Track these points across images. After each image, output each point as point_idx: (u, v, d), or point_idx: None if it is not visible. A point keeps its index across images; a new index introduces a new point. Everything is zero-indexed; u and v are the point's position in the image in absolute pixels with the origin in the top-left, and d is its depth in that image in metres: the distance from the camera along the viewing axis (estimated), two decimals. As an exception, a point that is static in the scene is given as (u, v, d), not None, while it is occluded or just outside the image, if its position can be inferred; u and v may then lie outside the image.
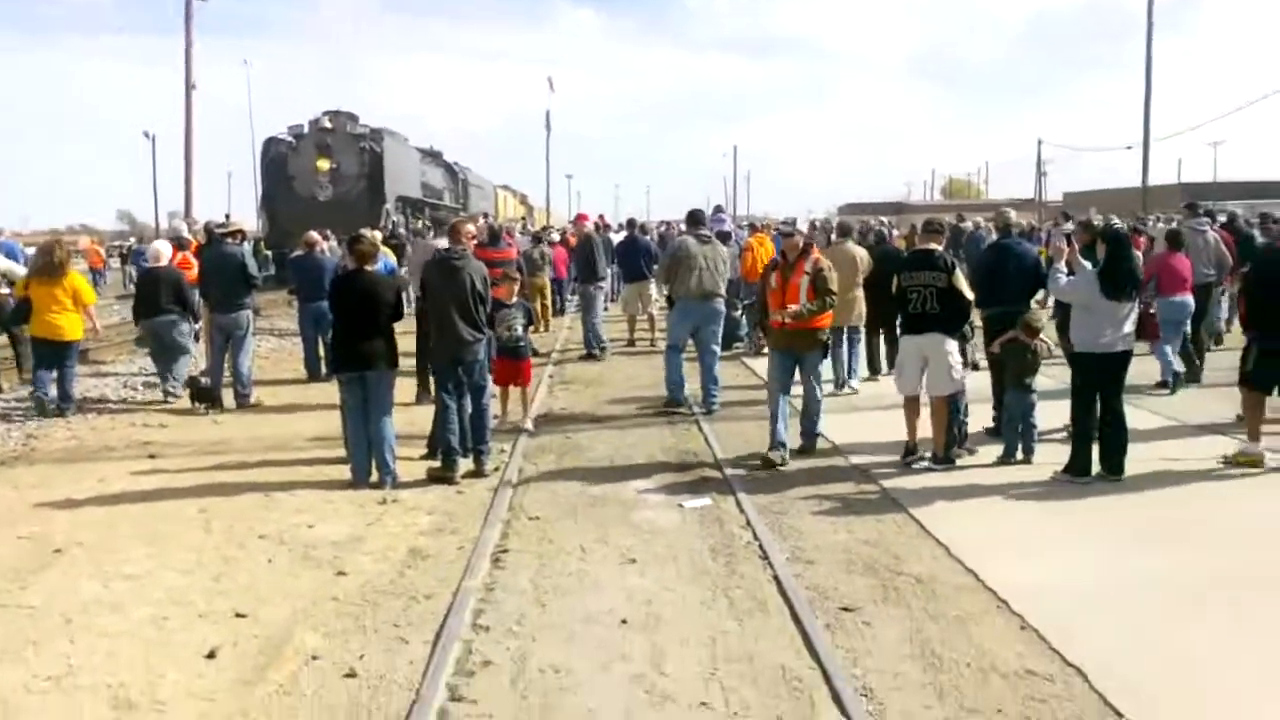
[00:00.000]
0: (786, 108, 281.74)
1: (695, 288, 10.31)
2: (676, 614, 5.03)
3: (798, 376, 8.39)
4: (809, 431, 8.47)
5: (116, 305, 25.46)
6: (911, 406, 7.98)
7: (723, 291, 10.61)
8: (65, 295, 10.87)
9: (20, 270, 12.69)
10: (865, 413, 9.84)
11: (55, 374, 10.92)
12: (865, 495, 7.18)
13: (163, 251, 12.05)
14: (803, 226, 14.06)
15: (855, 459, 8.13)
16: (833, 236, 12.43)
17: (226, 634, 4.92)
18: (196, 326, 11.34)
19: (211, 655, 4.68)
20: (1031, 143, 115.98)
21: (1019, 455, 7.81)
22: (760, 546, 6.02)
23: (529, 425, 9.46)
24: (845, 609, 5.06)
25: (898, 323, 8.43)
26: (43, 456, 8.96)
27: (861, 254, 11.61)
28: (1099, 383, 7.28)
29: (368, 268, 8.04)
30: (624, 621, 4.93)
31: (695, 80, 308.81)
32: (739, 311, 15.35)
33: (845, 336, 11.30)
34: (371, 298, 7.81)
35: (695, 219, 11.06)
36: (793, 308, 8.02)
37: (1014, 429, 7.85)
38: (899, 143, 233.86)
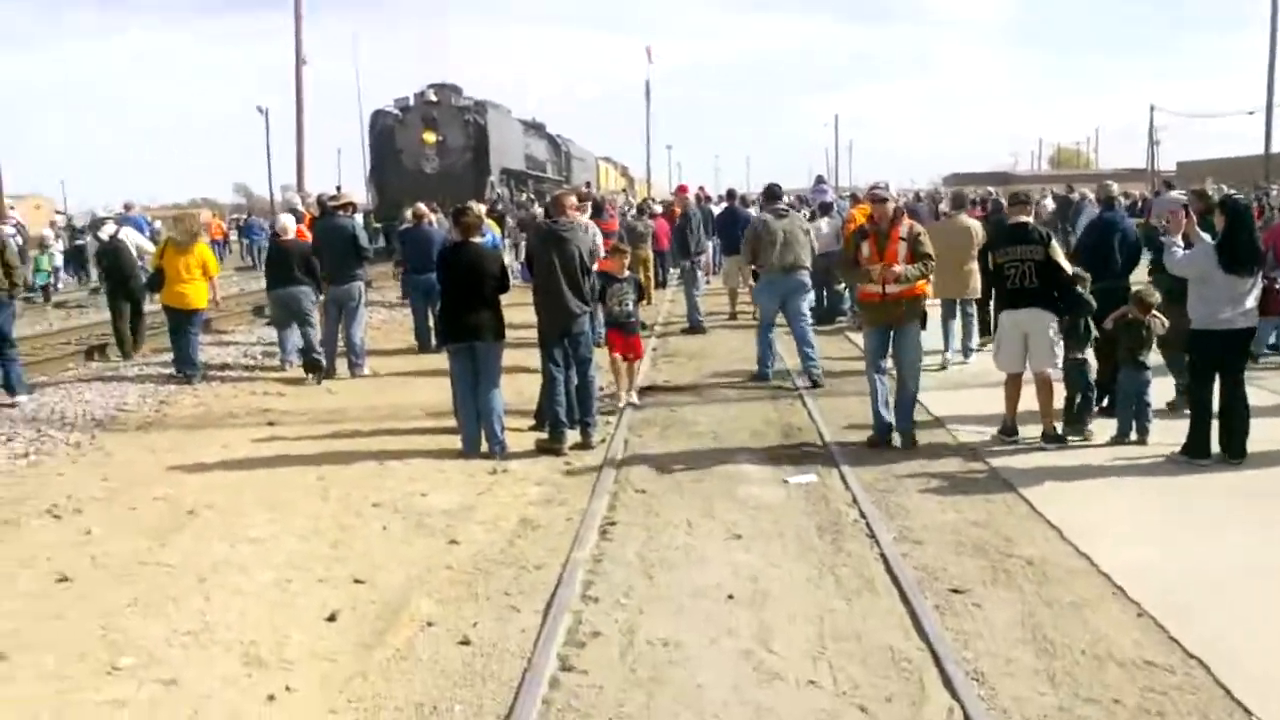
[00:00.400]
0: (889, 75, 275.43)
1: (777, 261, 10.45)
2: (783, 590, 5.05)
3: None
4: (904, 422, 7.81)
5: (235, 277, 26.44)
6: (1013, 384, 7.80)
7: (806, 263, 10.70)
8: (195, 265, 11.43)
9: (150, 246, 13.27)
10: (973, 389, 9.65)
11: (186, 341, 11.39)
12: (973, 474, 7.07)
13: (289, 225, 12.39)
14: (908, 195, 13.90)
15: (963, 435, 8.01)
16: (942, 207, 12.24)
17: (345, 599, 5.12)
18: (320, 298, 11.71)
19: (332, 618, 4.87)
20: (1144, 109, 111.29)
21: (1133, 435, 7.58)
22: (867, 524, 5.99)
23: (634, 398, 9.49)
24: (955, 590, 5.01)
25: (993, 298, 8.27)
26: (174, 422, 9.40)
27: (975, 226, 11.47)
28: (1219, 362, 7.02)
29: (473, 240, 8.17)
30: (731, 597, 4.97)
31: (795, 48, 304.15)
32: (842, 285, 15.19)
33: (959, 309, 11.24)
34: (477, 270, 7.93)
35: (771, 194, 11.32)
36: (896, 268, 7.56)
37: (1128, 408, 7.61)
38: (1005, 111, 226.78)
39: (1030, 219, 7.88)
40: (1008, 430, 7.78)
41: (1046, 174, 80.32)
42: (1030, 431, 7.70)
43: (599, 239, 10.57)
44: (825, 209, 15.95)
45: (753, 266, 11.13)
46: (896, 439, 7.81)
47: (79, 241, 25.67)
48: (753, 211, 18.36)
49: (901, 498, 6.53)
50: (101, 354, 13.38)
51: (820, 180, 20.99)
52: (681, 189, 19.94)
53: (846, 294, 15.12)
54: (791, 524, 6.08)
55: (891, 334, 7.90)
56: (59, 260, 27.38)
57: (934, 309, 10.04)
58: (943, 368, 10.84)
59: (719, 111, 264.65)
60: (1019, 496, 6.45)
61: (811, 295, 11.20)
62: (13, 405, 9.78)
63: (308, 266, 11.61)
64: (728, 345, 13.21)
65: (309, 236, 13.45)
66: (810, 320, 10.98)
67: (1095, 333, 7.84)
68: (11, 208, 30.68)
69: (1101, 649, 4.31)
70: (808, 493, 6.69)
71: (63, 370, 12.21)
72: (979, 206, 15.47)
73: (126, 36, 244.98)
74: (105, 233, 14.22)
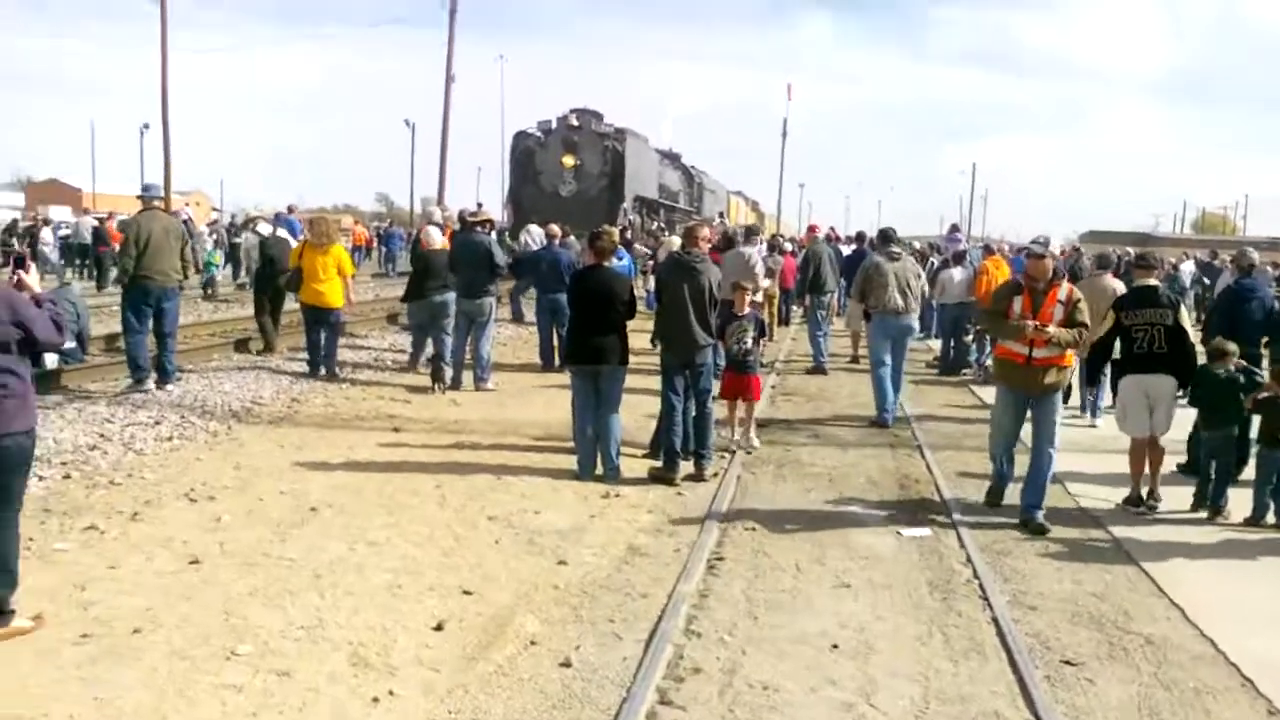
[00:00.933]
0: (1028, 126, 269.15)
1: (890, 305, 10.66)
2: (889, 645, 4.96)
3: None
4: (1034, 498, 7.10)
5: (371, 283, 27.32)
6: (1139, 450, 7.59)
7: (916, 308, 11.04)
8: (331, 265, 11.96)
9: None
10: (1101, 454, 9.31)
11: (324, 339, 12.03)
12: (1094, 542, 6.83)
13: (437, 236, 12.84)
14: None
15: (1084, 500, 7.75)
16: (1083, 264, 11.94)
17: (454, 608, 5.23)
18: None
19: (439, 628, 4.98)
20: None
21: (1271, 518, 7.21)
22: (980, 586, 5.84)
23: (755, 442, 9.23)
24: (1067, 662, 4.84)
25: (1113, 360, 8.02)
26: (304, 420, 9.76)
27: (1120, 287, 11.11)
28: None
29: (606, 264, 8.28)
30: (835, 646, 4.90)
31: (931, 93, 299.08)
32: (970, 337, 14.90)
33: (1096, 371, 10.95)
34: (607, 294, 8.03)
35: (886, 237, 11.64)
36: (1050, 329, 6.89)
37: (1264, 489, 7.26)
38: (1149, 170, 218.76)
39: (1159, 283, 7.78)
40: (1135, 500, 7.55)
41: (1189, 238, 76.89)
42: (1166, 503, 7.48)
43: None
44: (959, 258, 15.68)
45: (863, 307, 11.20)
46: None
47: (236, 239, 26.92)
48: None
49: (1018, 561, 6.34)
50: (245, 347, 13.99)
51: (955, 229, 20.64)
52: (812, 228, 19.84)
53: (974, 347, 14.83)
54: (902, 578, 5.96)
55: (1029, 402, 7.21)
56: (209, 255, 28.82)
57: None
58: (1075, 419, 10.56)
59: (853, 153, 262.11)
60: (1141, 571, 6.20)
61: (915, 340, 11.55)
62: (165, 390, 10.31)
63: (449, 277, 12.04)
64: (848, 388, 13.07)
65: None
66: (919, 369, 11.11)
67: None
68: (185, 204, 32.48)
69: (1225, 743, 4.11)
70: (921, 547, 6.56)
71: (206, 360, 12.81)
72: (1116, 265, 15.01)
73: (282, 49, 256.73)
74: (264, 229, 14.95)
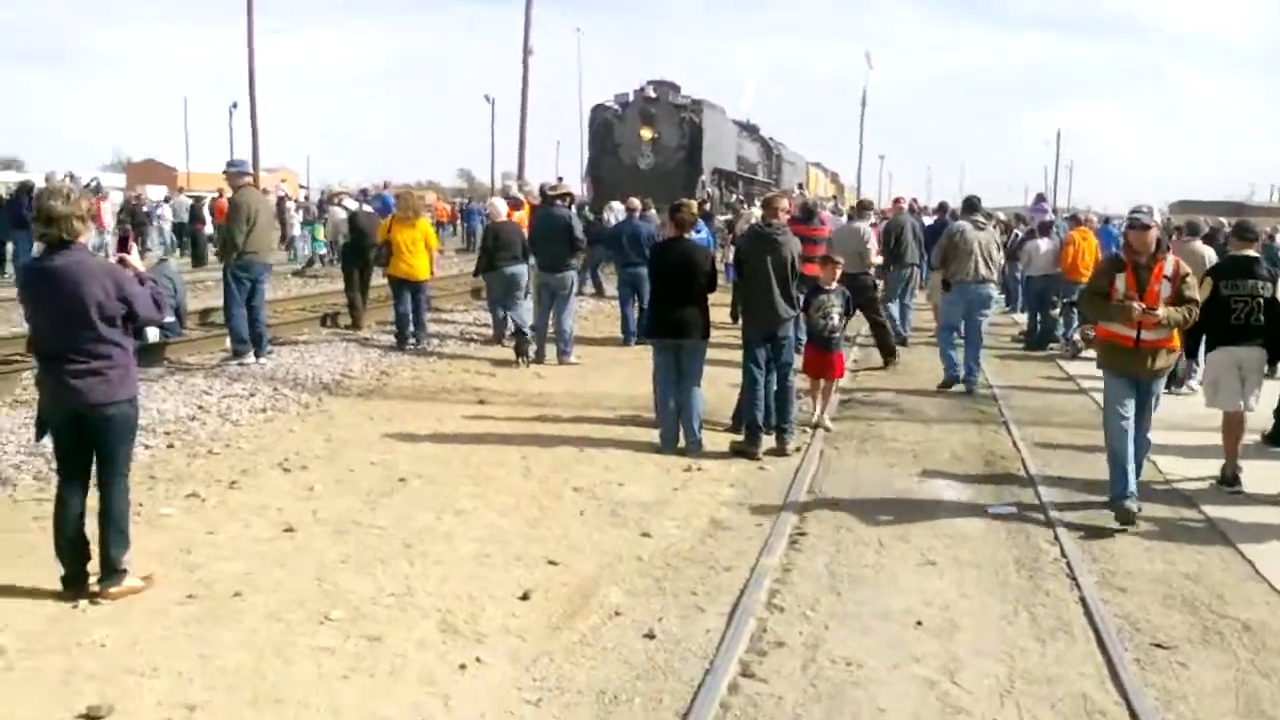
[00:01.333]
0: (1115, 93, 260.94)
1: (971, 273, 10.73)
2: (974, 624, 4.92)
3: None
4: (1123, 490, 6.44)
5: (455, 259, 27.67)
6: (1233, 424, 7.37)
7: (995, 278, 11.17)
8: (419, 239, 12.34)
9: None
10: (1192, 431, 9.04)
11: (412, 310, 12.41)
12: (1187, 522, 6.65)
13: (500, 207, 13.22)
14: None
15: (1175, 480, 7.54)
16: (1175, 235, 11.59)
17: (539, 578, 5.32)
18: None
19: (525, 597, 5.07)
20: None
21: None
22: (1068, 565, 5.74)
23: (828, 423, 9.03)
24: (1158, 645, 4.75)
25: (1206, 333, 7.52)
26: (392, 392, 9.99)
27: (1210, 254, 10.78)
28: None
29: (686, 236, 8.28)
30: (919, 623, 4.88)
31: (1014, 61, 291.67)
32: (1057, 310, 14.57)
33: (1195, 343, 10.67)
34: (688, 266, 8.02)
35: (970, 205, 11.88)
36: (1160, 312, 6.35)
37: None
38: (1245, 137, 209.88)
39: (1258, 254, 7.55)
40: (1229, 479, 7.33)
41: (1281, 206, 73.70)
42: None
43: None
44: (1045, 229, 15.33)
45: (943, 276, 11.31)
46: (1141, 506, 6.54)
47: (324, 216, 27.50)
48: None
49: (1107, 541, 6.22)
50: (334, 321, 14.32)
51: (1040, 199, 20.19)
52: (897, 201, 19.56)
53: (1060, 321, 14.50)
54: (988, 556, 5.90)
55: (1140, 386, 6.65)
56: (297, 230, 29.49)
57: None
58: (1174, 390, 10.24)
59: (935, 123, 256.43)
60: (1237, 552, 6.03)
61: (992, 312, 11.60)
62: (259, 363, 10.63)
63: (522, 247, 12.31)
64: (930, 362, 12.85)
65: (524, 222, 14.17)
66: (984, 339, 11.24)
67: None
68: (280, 182, 33.29)
69: (1326, 734, 4.00)
70: (1007, 525, 6.48)
71: (298, 334, 13.16)
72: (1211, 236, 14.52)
73: (364, 25, 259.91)
74: (349, 204, 15.31)
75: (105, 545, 4.85)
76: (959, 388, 10.85)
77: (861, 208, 15.32)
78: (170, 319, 11.13)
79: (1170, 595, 5.37)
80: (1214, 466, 7.50)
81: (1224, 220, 18.61)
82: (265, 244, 10.92)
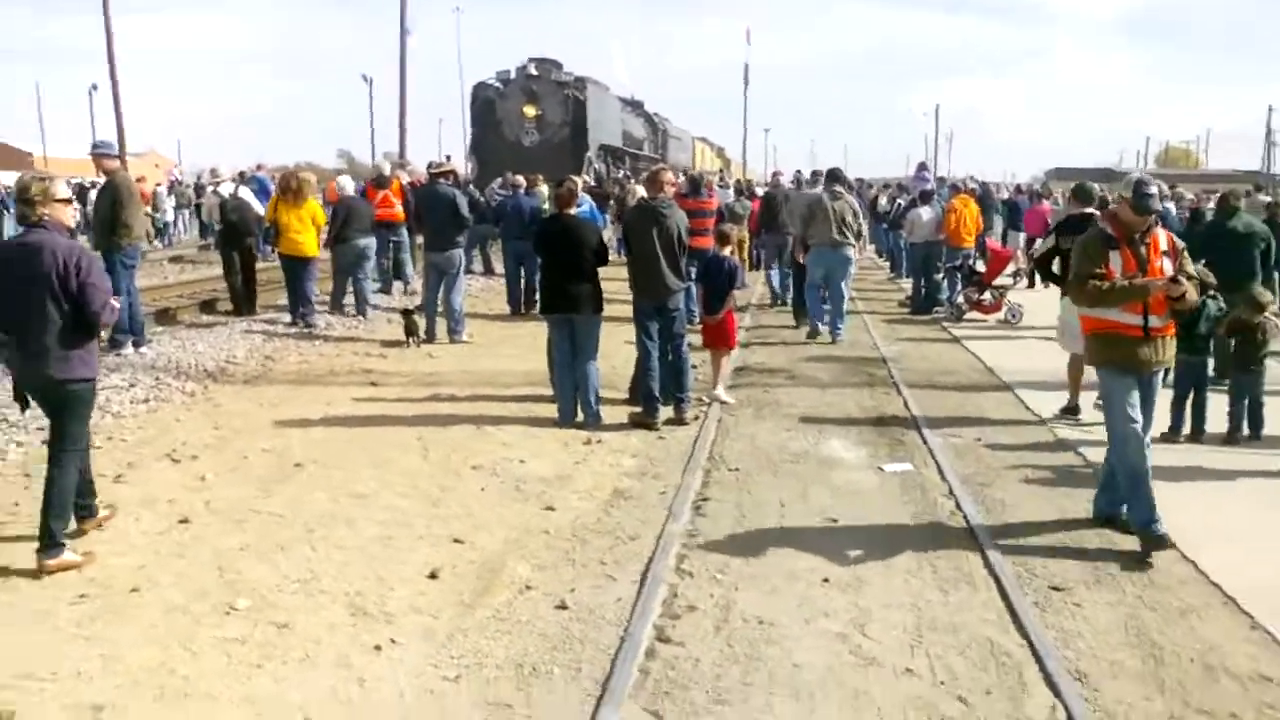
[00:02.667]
0: (990, 66, 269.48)
1: (826, 236, 12.13)
2: (879, 578, 5.03)
3: None
4: (1150, 517, 5.45)
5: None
6: (1076, 363, 8.25)
7: (852, 240, 12.34)
8: (306, 217, 12.51)
9: (260, 207, 13.80)
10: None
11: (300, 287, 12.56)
12: (1074, 469, 6.94)
13: (348, 184, 14.45)
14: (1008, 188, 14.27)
15: (1063, 432, 7.87)
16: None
17: (446, 557, 5.24)
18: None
19: (433, 576, 4.99)
20: (1261, 110, 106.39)
21: (1245, 431, 7.57)
22: (965, 517, 5.93)
23: (724, 397, 8.89)
24: (1055, 588, 4.93)
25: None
26: (279, 377, 9.69)
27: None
28: None
29: (569, 211, 8.24)
30: (826, 580, 4.97)
31: (894, 35, 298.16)
32: (940, 275, 15.00)
33: None
34: (574, 242, 7.99)
35: (833, 176, 13.07)
36: (1186, 287, 5.51)
37: (1241, 409, 7.53)
38: (1112, 106, 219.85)
39: (1095, 211, 8.24)
40: (1071, 410, 8.32)
41: (1153, 171, 77.50)
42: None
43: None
44: (926, 197, 15.75)
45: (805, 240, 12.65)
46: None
47: (199, 200, 26.50)
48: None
49: (1000, 492, 6.43)
50: (212, 308, 13.82)
51: (922, 167, 20.76)
52: (776, 174, 19.86)
53: (945, 284, 14.94)
54: (887, 512, 6.04)
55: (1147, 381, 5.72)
56: (169, 216, 28.37)
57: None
58: None
59: (815, 97, 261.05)
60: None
61: (852, 270, 12.76)
62: (137, 353, 10.19)
63: (370, 223, 13.53)
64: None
65: (394, 203, 15.12)
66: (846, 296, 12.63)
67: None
68: (156, 165, 31.84)
69: (1214, 659, 4.20)
70: (903, 482, 6.64)
71: (176, 322, 12.66)
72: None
73: (232, 4, 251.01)
74: (225, 190, 14.79)
75: (46, 517, 4.92)
76: (825, 339, 12.15)
77: (820, 177, 15.34)
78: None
79: (1063, 542, 5.57)
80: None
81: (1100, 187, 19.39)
82: (141, 228, 10.54)
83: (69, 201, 5.18)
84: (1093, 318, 5.71)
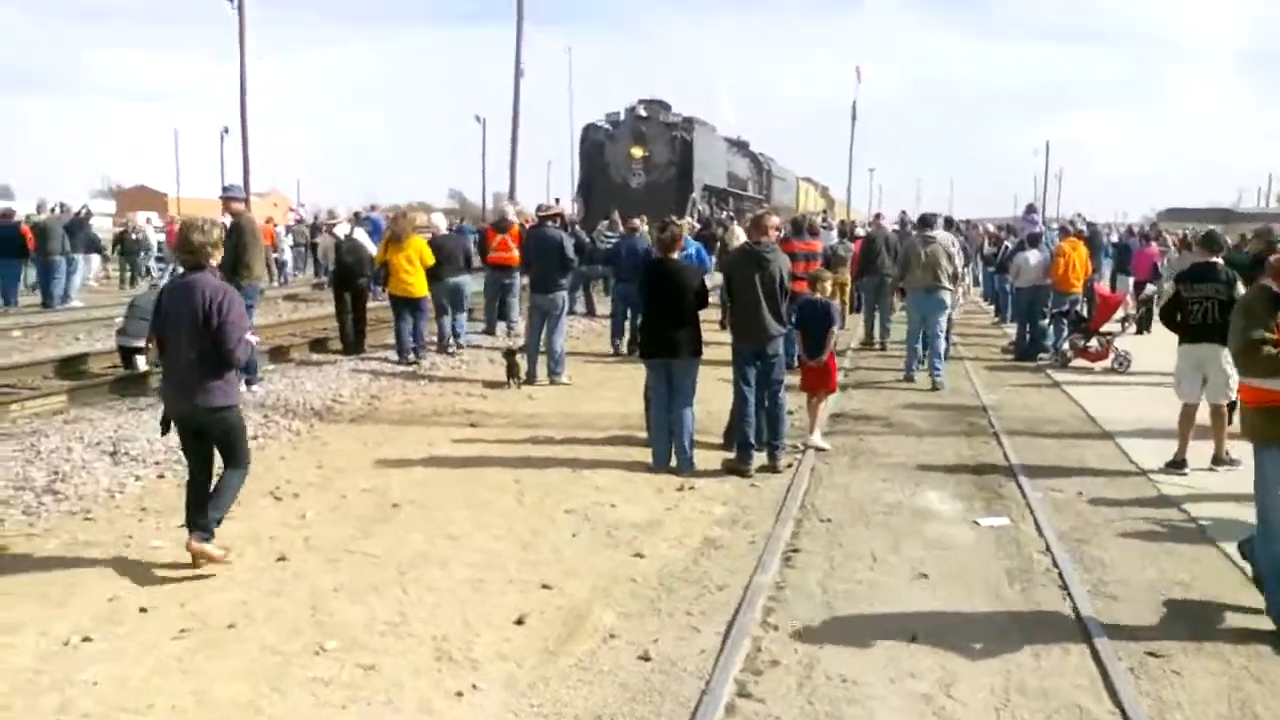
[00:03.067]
0: (1103, 101, 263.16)
1: (920, 281, 12.18)
2: (968, 637, 4.93)
3: None
4: None
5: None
6: (1188, 415, 8.13)
7: (946, 284, 12.23)
8: (414, 258, 12.82)
9: (373, 247, 14.23)
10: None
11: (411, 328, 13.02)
12: (1179, 526, 6.69)
13: (442, 224, 15.64)
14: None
15: (1167, 487, 7.60)
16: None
17: (534, 603, 5.31)
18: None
19: (520, 622, 5.06)
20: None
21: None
22: (1060, 575, 5.76)
23: (820, 443, 8.81)
24: (1152, 654, 4.76)
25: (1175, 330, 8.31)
26: (383, 416, 9.97)
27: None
28: None
29: (673, 256, 8.31)
30: (914, 638, 4.89)
31: (1003, 71, 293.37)
32: (1046, 320, 14.63)
33: None
34: (676, 286, 8.05)
35: (924, 221, 13.17)
36: None
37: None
38: (1231, 143, 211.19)
39: (1220, 260, 8.16)
40: (1179, 464, 8.05)
41: (1274, 211, 74.08)
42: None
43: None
44: (1034, 240, 15.41)
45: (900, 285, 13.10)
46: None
47: (316, 240, 27.50)
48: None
49: (1098, 549, 6.24)
50: (323, 347, 14.30)
51: (1030, 209, 20.25)
52: (878, 215, 19.74)
53: (1050, 330, 14.56)
54: (980, 568, 5.92)
55: None
56: (287, 255, 29.49)
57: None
58: None
59: (924, 136, 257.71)
60: (1227, 558, 6.04)
61: (947, 314, 12.57)
62: (250, 391, 10.59)
63: (465, 260, 13.95)
64: (921, 375, 12.91)
65: (512, 246, 15.19)
66: (942, 339, 12.52)
67: None
68: (275, 204, 33.20)
69: (1320, 738, 4.01)
70: (999, 536, 6.49)
71: (288, 360, 13.15)
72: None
73: (349, 47, 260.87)
74: (341, 231, 15.37)
75: (206, 505, 5.68)
76: (925, 385, 12.00)
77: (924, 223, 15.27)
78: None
79: (1163, 603, 5.38)
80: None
81: (1212, 228, 18.71)
82: (261, 268, 11.13)
83: (219, 246, 5.73)
84: (1264, 389, 5.02)
